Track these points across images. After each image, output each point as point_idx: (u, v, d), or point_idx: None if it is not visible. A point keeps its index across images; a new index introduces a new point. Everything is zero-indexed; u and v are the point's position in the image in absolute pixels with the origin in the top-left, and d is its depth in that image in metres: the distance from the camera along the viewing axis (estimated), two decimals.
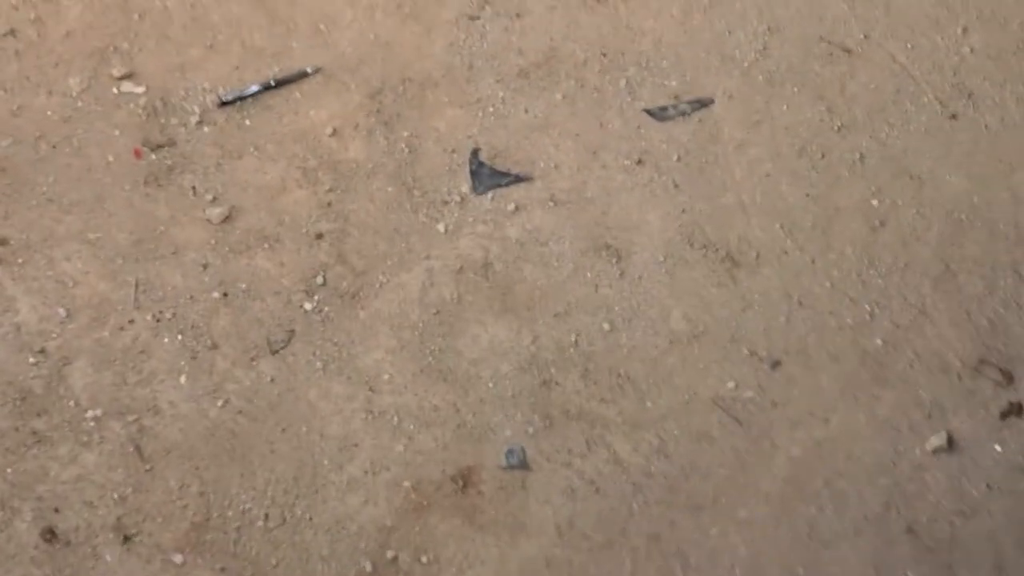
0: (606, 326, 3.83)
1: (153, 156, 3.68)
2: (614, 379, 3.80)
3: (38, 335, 3.56)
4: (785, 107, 4.00)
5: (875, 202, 4.00)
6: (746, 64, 4.00)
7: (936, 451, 3.84)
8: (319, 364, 3.69)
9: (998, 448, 3.88)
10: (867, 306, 3.93)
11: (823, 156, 3.99)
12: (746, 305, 3.89)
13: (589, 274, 3.84)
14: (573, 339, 3.81)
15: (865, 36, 4.08)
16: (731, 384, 3.85)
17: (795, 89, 4.01)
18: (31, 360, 3.55)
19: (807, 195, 3.96)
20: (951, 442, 3.85)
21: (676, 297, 3.86)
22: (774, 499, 3.81)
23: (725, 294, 3.89)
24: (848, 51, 4.07)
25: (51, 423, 3.54)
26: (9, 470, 3.50)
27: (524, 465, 3.73)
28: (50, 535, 3.55)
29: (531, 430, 3.75)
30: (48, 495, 3.52)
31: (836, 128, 4.00)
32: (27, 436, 3.53)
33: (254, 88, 3.76)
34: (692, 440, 3.81)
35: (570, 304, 3.82)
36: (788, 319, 3.91)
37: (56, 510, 3.52)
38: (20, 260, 3.57)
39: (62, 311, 3.58)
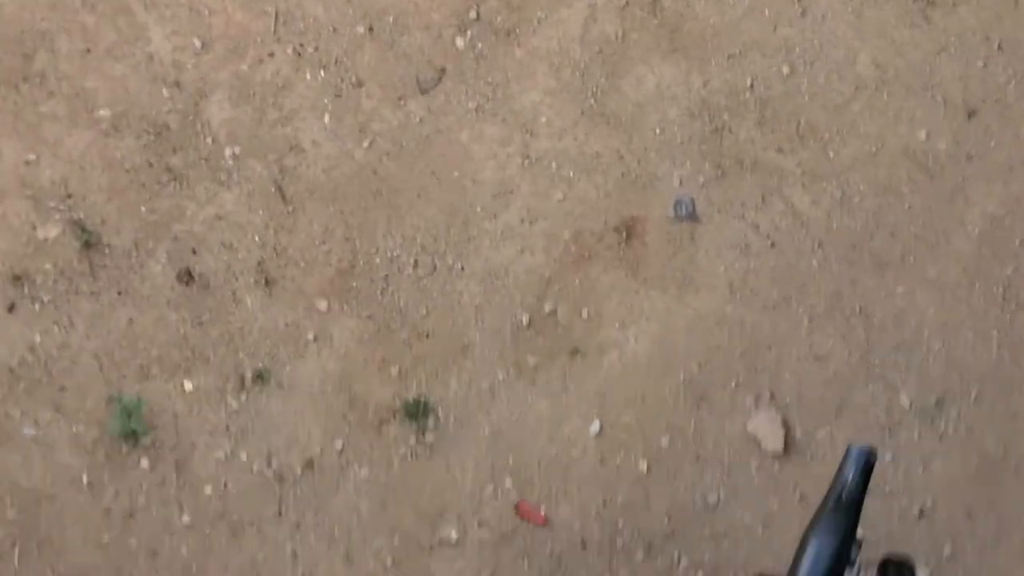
0: (785, 69, 3.53)
1: None
2: (793, 127, 3.52)
3: (172, 66, 3.32)
4: None
5: None
6: None
7: None
8: (472, 105, 3.43)
9: None
10: None
11: None
12: (940, 48, 3.58)
13: (767, 11, 3.53)
14: (748, 83, 3.52)
15: None
16: (922, 134, 3.56)
17: None
18: (165, 93, 3.31)
19: None
20: None
21: (863, 38, 3.56)
22: (967, 258, 3.55)
23: (918, 35, 3.58)
24: None
25: (187, 160, 3.32)
26: (143, 208, 3.29)
27: (693, 217, 3.46)
28: (187, 277, 3.33)
29: (701, 180, 3.48)
30: (185, 235, 3.31)
31: None
32: (162, 173, 3.30)
33: None
34: (878, 194, 3.53)
35: (745, 44, 3.52)
36: (986, 64, 3.59)
37: (193, 251, 3.31)
38: None
39: (197, 41, 3.33)
